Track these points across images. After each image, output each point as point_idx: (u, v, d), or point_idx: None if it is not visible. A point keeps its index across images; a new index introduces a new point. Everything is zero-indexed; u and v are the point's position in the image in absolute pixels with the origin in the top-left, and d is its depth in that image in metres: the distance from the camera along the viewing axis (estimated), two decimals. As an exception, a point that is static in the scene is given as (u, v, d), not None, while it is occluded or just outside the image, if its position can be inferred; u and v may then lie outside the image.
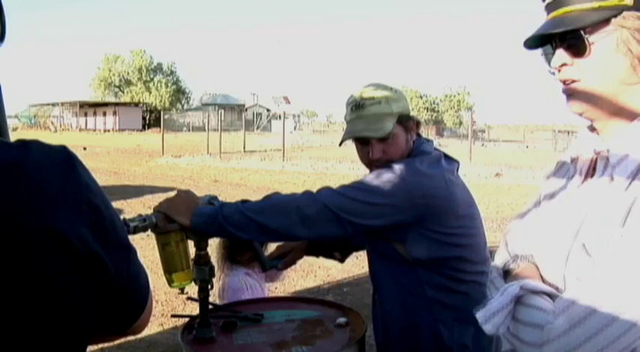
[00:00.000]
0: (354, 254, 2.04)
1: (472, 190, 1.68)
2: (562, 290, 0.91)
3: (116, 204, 8.58)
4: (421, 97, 50.32)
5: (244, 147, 21.92)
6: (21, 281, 0.64)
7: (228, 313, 1.71)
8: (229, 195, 9.24)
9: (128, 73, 51.84)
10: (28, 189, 0.65)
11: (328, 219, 1.49)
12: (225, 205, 1.54)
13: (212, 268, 1.57)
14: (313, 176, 13.83)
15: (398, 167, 1.53)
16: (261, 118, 48.48)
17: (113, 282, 0.73)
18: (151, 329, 3.84)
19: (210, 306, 1.61)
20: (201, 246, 1.55)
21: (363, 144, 1.62)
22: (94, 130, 44.85)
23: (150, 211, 1.52)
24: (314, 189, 1.56)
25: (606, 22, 0.91)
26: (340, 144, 1.74)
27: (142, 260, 0.81)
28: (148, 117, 48.06)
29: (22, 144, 0.69)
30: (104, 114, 46.59)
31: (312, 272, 5.39)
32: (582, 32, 0.92)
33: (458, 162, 1.69)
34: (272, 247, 2.05)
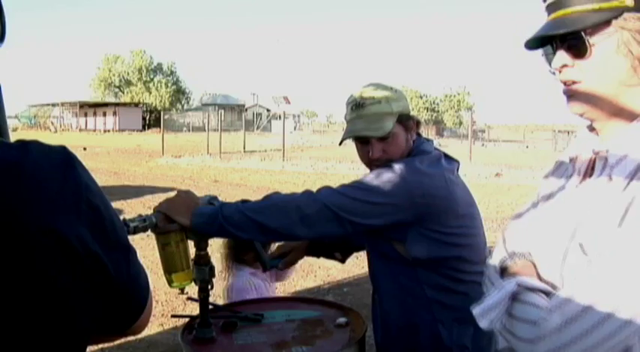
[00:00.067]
0: (354, 254, 2.05)
1: (472, 190, 1.68)
2: (559, 288, 0.92)
3: (116, 205, 8.58)
4: (421, 97, 50.33)
5: (244, 148, 21.92)
6: (20, 281, 0.64)
7: (228, 313, 1.71)
8: (229, 195, 9.24)
9: (128, 73, 51.88)
10: (27, 189, 0.65)
11: (328, 218, 1.49)
12: (225, 205, 1.54)
13: (212, 268, 1.57)
14: (313, 176, 13.83)
15: (398, 166, 1.54)
16: (261, 118, 48.50)
17: (113, 283, 0.73)
18: (151, 329, 3.85)
19: (210, 306, 1.61)
20: (201, 246, 1.55)
21: (363, 143, 1.63)
22: (94, 130, 44.87)
23: (150, 211, 1.52)
24: (314, 189, 1.56)
25: (607, 23, 0.91)
26: (340, 144, 1.75)
27: (142, 260, 0.82)
28: (148, 118, 48.09)
29: (22, 144, 0.69)
30: (104, 114, 46.62)
31: (312, 273, 5.40)
32: (583, 34, 0.92)
33: (458, 162, 1.69)
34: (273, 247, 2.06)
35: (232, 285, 2.37)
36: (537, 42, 1.00)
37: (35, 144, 0.70)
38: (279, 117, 29.31)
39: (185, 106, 53.50)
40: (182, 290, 1.56)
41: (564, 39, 0.95)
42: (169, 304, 4.48)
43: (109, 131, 43.24)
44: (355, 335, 1.54)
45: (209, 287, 1.57)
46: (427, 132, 29.69)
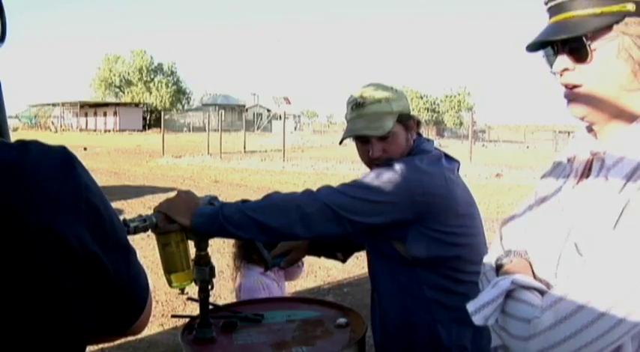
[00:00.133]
0: (355, 254, 2.04)
1: (472, 190, 1.68)
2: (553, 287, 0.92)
3: (116, 205, 8.58)
4: (421, 98, 50.26)
5: (245, 148, 21.94)
6: (20, 281, 0.64)
7: (228, 313, 1.71)
8: (230, 195, 9.24)
9: (129, 74, 51.90)
10: (27, 189, 0.65)
11: (328, 217, 1.49)
12: (226, 205, 1.54)
13: (212, 268, 1.57)
14: (313, 176, 13.83)
15: (398, 165, 1.54)
16: (261, 119, 48.55)
17: (112, 283, 0.73)
18: (151, 329, 3.85)
19: (210, 306, 1.61)
20: (202, 247, 1.55)
21: (363, 142, 1.63)
22: (95, 131, 44.88)
23: (150, 211, 1.53)
24: (314, 189, 1.56)
25: (608, 28, 0.91)
26: (340, 143, 1.75)
27: (142, 260, 0.82)
28: (148, 118, 48.11)
29: (22, 144, 0.69)
30: (104, 114, 46.63)
31: (312, 273, 5.39)
32: (584, 39, 0.92)
33: (458, 162, 1.69)
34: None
35: (242, 285, 2.36)
36: (538, 44, 1.01)
37: (35, 144, 0.70)
38: (280, 117, 29.35)
39: (185, 106, 53.54)
40: (182, 291, 1.56)
41: (565, 43, 0.95)
42: (169, 304, 4.48)
43: (109, 131, 43.26)
44: (355, 336, 1.53)
45: (209, 287, 1.57)
46: (428, 132, 29.68)
